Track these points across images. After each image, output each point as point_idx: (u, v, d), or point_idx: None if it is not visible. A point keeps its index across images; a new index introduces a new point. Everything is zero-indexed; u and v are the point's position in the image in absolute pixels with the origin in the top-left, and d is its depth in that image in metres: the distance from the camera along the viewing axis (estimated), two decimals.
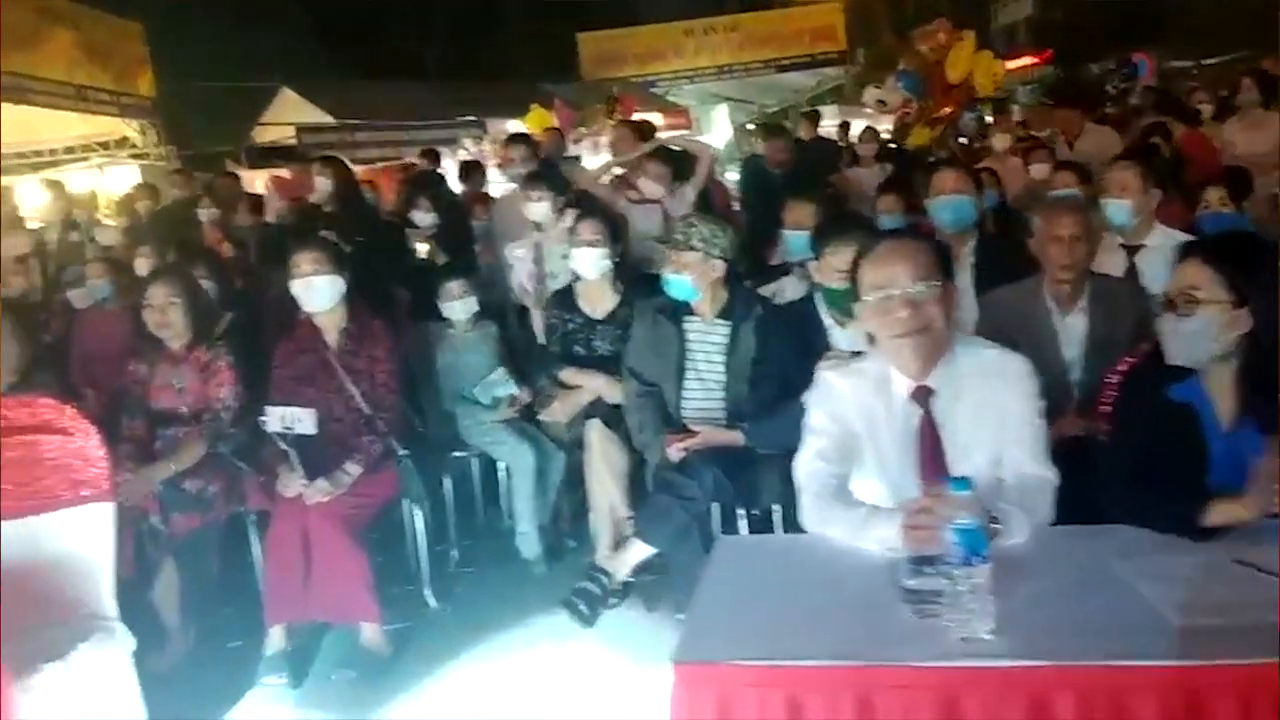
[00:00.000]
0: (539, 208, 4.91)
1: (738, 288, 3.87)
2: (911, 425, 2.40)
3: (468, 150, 14.40)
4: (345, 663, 3.83)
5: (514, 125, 19.81)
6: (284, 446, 3.77)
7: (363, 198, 5.57)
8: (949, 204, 4.26)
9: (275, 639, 3.79)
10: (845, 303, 3.25)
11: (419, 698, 3.65)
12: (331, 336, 4.08)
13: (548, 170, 5.04)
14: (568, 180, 5.24)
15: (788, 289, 4.27)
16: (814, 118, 10.15)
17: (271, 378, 4.10)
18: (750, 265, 5.10)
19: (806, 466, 2.44)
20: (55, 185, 8.66)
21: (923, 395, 2.40)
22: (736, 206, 7.72)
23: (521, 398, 4.65)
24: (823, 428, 2.46)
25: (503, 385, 4.64)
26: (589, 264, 4.29)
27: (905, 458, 2.41)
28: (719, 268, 3.70)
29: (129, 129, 16.38)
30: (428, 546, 4.25)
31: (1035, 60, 22.53)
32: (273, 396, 4.04)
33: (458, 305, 4.72)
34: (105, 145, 16.22)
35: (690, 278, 3.67)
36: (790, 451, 3.44)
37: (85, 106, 14.94)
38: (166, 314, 4.05)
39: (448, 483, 4.62)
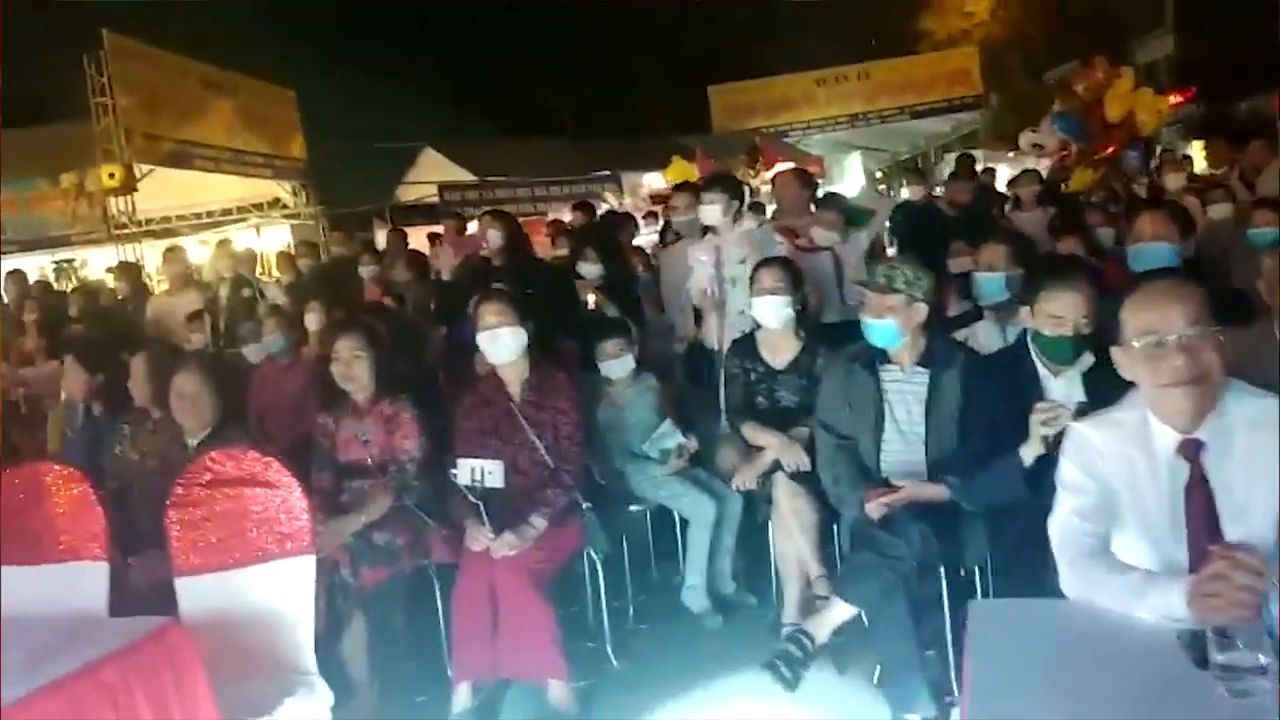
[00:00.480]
0: (713, 210, 4.83)
1: (936, 334, 3.70)
2: (1178, 482, 2.21)
3: (609, 203, 14.55)
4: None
5: (649, 179, 20.08)
6: (473, 499, 3.73)
7: (531, 250, 5.57)
8: (1151, 250, 4.04)
9: (462, 696, 3.74)
10: (1063, 351, 3.07)
11: None
12: (515, 388, 4.05)
13: (723, 175, 4.95)
14: (743, 185, 5.17)
15: (980, 334, 4.08)
16: (968, 162, 9.90)
17: (455, 430, 4.08)
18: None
19: (1063, 527, 2.26)
20: (224, 244, 8.94)
21: (1191, 449, 2.21)
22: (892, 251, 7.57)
23: (689, 446, 4.55)
24: (1078, 484, 2.27)
25: (671, 437, 4.55)
26: (771, 312, 4.17)
27: (1171, 517, 2.21)
28: (922, 311, 3.55)
29: (282, 190, 17.05)
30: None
31: (1179, 99, 21.77)
32: (456, 449, 4.02)
33: (614, 364, 4.65)
34: (259, 206, 16.90)
35: (895, 322, 3.52)
36: (999, 508, 3.28)
37: (243, 170, 15.62)
38: (351, 367, 4.08)
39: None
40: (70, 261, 13.07)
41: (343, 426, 4.13)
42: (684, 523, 4.55)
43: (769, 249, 4.56)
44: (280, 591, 3.11)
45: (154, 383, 4.40)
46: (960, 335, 4.16)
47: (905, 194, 8.97)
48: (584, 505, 4.01)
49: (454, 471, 3.79)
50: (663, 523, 4.73)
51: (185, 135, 14.09)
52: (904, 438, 3.62)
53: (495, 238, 5.14)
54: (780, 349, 4.25)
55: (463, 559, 3.82)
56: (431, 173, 19.04)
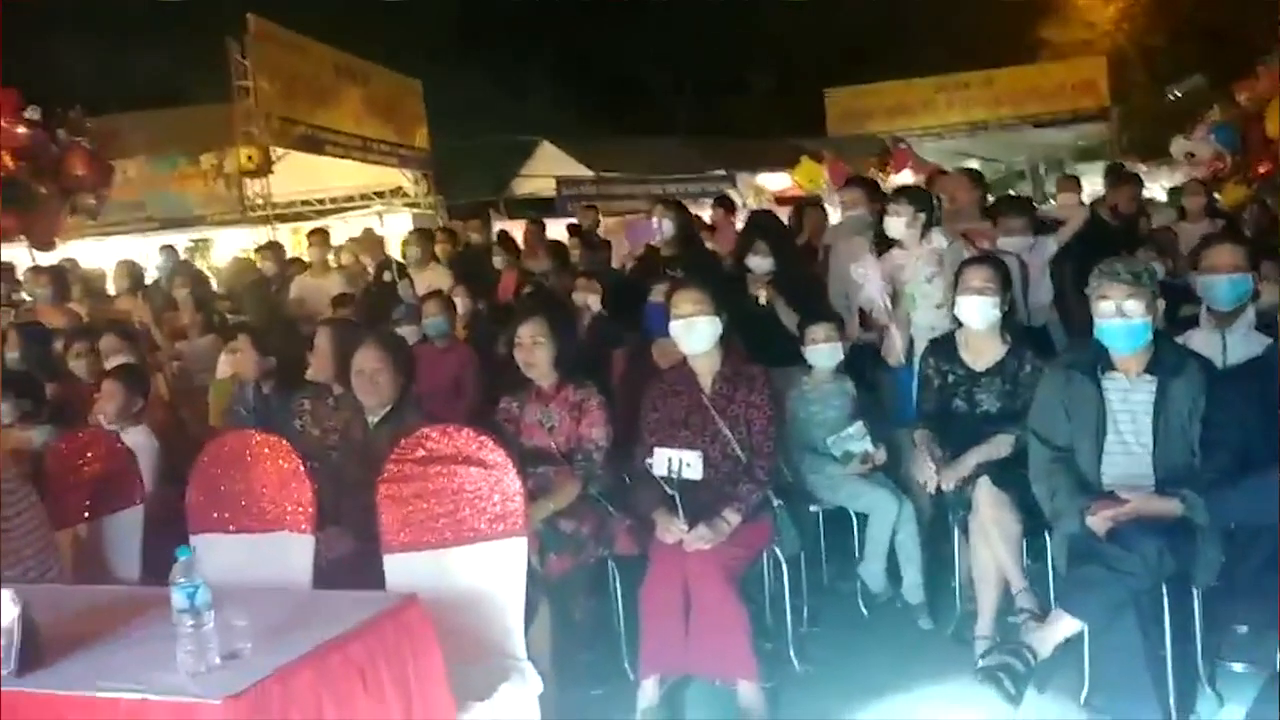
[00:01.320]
0: (898, 223, 4.69)
1: (1164, 340, 3.51)
2: None
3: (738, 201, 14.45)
4: None
5: (763, 179, 19.88)
6: (670, 491, 3.64)
7: (702, 241, 5.47)
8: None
9: (649, 692, 3.65)
10: None
11: None
12: (706, 380, 3.95)
13: (911, 188, 4.80)
14: (932, 198, 5.02)
15: (1196, 341, 3.86)
16: (1121, 171, 9.56)
17: (642, 421, 4.00)
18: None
19: None
20: (368, 231, 9.02)
21: None
22: None
23: (877, 456, 4.42)
24: None
25: (859, 440, 4.41)
26: (977, 313, 4.01)
27: None
28: (1159, 311, 3.36)
29: (404, 179, 17.23)
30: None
31: None
32: (645, 439, 3.94)
33: (824, 350, 4.53)
34: (381, 194, 17.09)
35: (1148, 320, 3.32)
36: (1245, 527, 3.08)
37: (369, 157, 15.82)
38: (534, 353, 4.03)
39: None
40: (205, 241, 13.34)
41: (527, 412, 4.08)
42: (861, 521, 4.41)
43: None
44: (491, 574, 3.06)
45: (337, 359, 4.40)
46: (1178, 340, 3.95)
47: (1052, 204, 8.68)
48: (775, 502, 3.90)
49: (649, 461, 3.71)
50: (831, 525, 4.61)
51: (318, 120, 14.31)
52: (1127, 449, 3.44)
53: (668, 227, 5.05)
54: (983, 351, 4.08)
55: (653, 552, 3.73)
56: (547, 166, 19.14)
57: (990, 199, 5.83)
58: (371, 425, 4.07)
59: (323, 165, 15.23)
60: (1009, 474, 3.78)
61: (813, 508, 4.44)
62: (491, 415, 4.20)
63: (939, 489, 3.98)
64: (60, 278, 8.29)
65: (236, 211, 13.19)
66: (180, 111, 13.52)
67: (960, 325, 4.15)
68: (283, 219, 14.44)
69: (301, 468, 3.35)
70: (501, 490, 3.08)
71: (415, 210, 17.32)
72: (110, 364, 5.21)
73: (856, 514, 4.44)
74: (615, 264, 6.52)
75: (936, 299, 4.61)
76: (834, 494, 4.39)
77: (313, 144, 14.23)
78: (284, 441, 3.41)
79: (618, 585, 4.04)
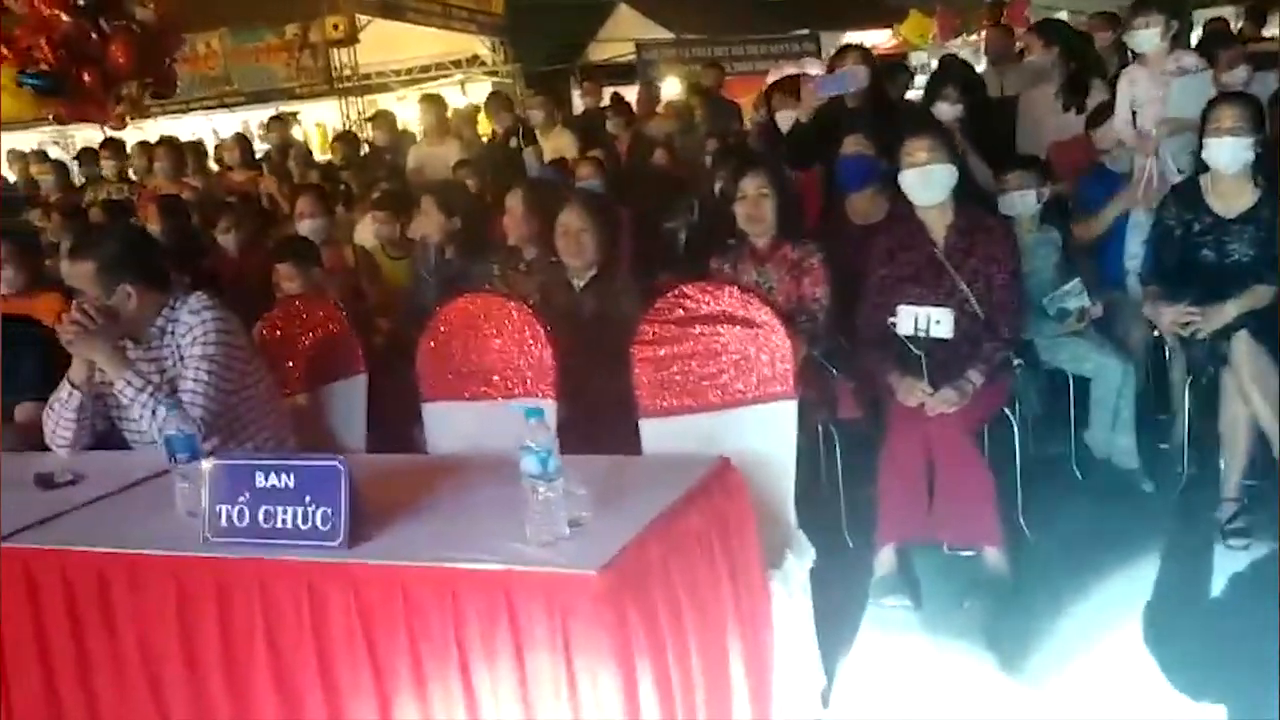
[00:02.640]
0: (1150, 35, 4.31)
1: None
2: None
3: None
4: (970, 590, 3.49)
5: (849, 38, 19.12)
6: (916, 351, 3.44)
7: (888, 92, 5.15)
8: None
9: (886, 559, 3.52)
10: None
11: (1057, 632, 3.28)
12: (939, 233, 3.71)
13: None
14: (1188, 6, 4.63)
15: None
16: None
17: (868, 278, 3.78)
18: None
19: None
20: (496, 94, 8.72)
21: None
22: None
23: (1094, 310, 4.16)
24: None
25: (1076, 297, 4.15)
26: (1228, 155, 3.70)
27: None
28: None
29: (481, 47, 16.78)
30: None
31: None
32: (870, 298, 3.73)
33: (1016, 199, 4.24)
34: (458, 63, 16.67)
35: None
36: None
37: (449, 24, 15.37)
38: (759, 206, 3.80)
39: None
40: (295, 114, 13.08)
41: (741, 272, 3.87)
42: (1079, 387, 4.20)
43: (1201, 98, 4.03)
44: (762, 439, 2.89)
45: (531, 221, 4.22)
46: None
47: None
48: (1015, 362, 3.69)
49: (891, 320, 3.50)
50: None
51: None
52: None
53: (861, 75, 4.73)
54: (1234, 197, 3.78)
55: (892, 417, 3.55)
56: (624, 30, 18.54)
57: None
58: (577, 289, 3.89)
59: (400, 35, 14.82)
60: (1267, 326, 3.53)
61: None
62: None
63: (1183, 341, 3.74)
64: (176, 152, 8.14)
65: (324, 83, 12.89)
66: None
67: (1199, 170, 3.85)
68: (369, 90, 14.14)
69: (544, 332, 3.18)
70: (770, 350, 2.89)
71: (494, 79, 16.93)
72: (302, 229, 5.07)
73: (1074, 377, 4.20)
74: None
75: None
76: (1053, 355, 4.16)
77: (395, 11, 13.81)
78: (524, 305, 3.24)
79: (838, 450, 3.87)
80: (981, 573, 3.50)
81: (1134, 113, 4.42)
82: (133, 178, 8.45)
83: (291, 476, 2.14)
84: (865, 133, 4.43)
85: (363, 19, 12.98)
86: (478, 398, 3.26)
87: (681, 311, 2.99)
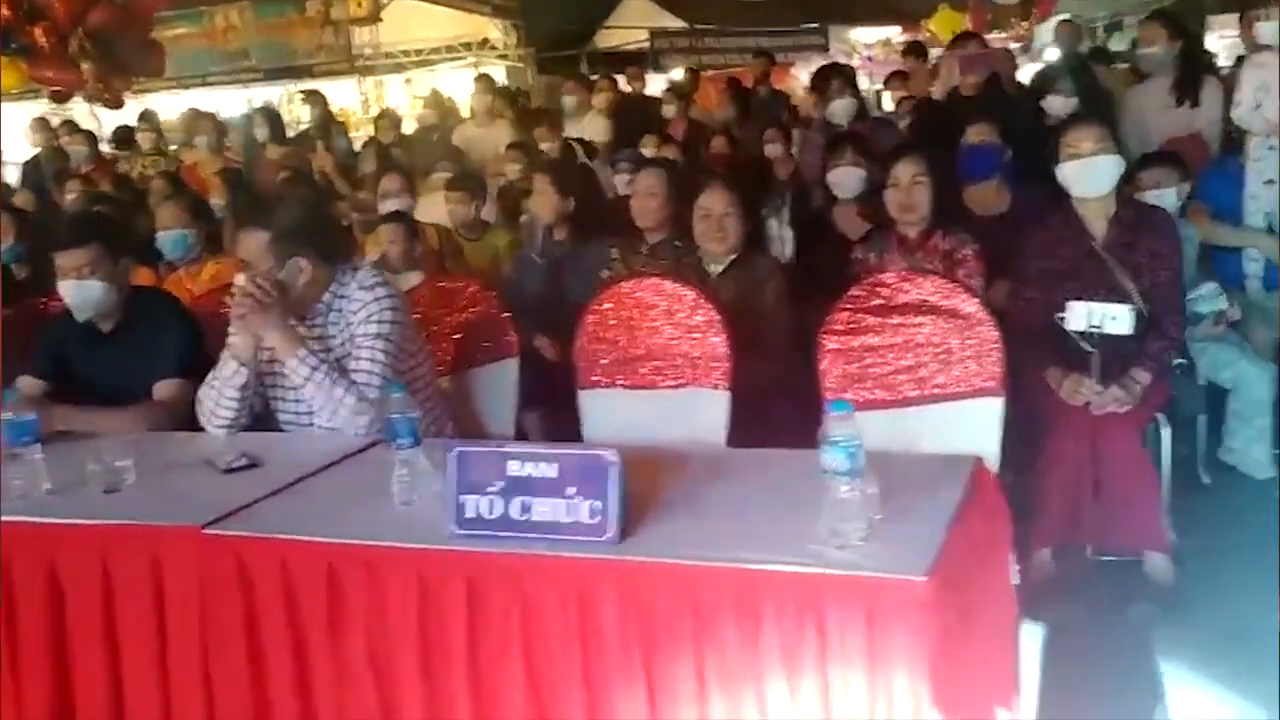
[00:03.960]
0: (1269, 27, 4.22)
1: None
2: None
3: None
4: (1133, 597, 3.38)
5: (858, 34, 19.11)
6: (1089, 348, 3.32)
7: (1002, 82, 5.03)
8: None
9: (1044, 562, 3.40)
10: None
11: (1244, 640, 3.17)
12: (1098, 226, 3.59)
13: None
14: None
15: None
16: None
17: (1022, 270, 3.66)
18: None
19: None
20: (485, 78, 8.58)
21: None
22: None
23: (1231, 314, 4.07)
24: None
25: (1213, 300, 4.05)
26: None
27: None
28: None
29: (494, 29, 16.53)
30: None
31: None
32: (1024, 291, 3.62)
33: (1153, 197, 4.11)
34: (468, 46, 16.41)
35: None
36: None
37: (465, 5, 15.15)
38: (913, 194, 3.68)
39: None
40: (315, 92, 12.80)
41: (887, 262, 3.74)
42: (1215, 394, 4.09)
43: None
44: (963, 437, 2.77)
45: (661, 202, 4.07)
46: None
47: None
48: (1177, 361, 3.58)
49: (1060, 316, 3.38)
50: None
51: None
52: None
53: (1002, 57, 4.61)
54: None
55: (1055, 415, 3.43)
56: (633, 18, 18.37)
57: None
58: (714, 274, 3.75)
59: (412, 16, 14.59)
60: None
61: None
62: None
63: None
64: (219, 125, 7.94)
65: (345, 61, 12.65)
66: None
67: None
68: (387, 69, 13.92)
69: (718, 319, 3.04)
70: (976, 344, 2.77)
71: (506, 63, 16.70)
72: (387, 208, 4.90)
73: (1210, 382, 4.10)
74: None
75: None
76: (1196, 360, 4.05)
77: None
78: (694, 290, 3.10)
79: None
80: (1143, 579, 3.38)
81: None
82: (166, 151, 8.25)
83: (554, 466, 1.99)
84: (989, 121, 4.32)
85: None
86: (640, 386, 3.12)
87: (879, 300, 2.86)
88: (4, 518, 2.39)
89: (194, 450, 2.73)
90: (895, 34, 18.61)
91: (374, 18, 12.18)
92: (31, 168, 8.83)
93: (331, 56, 12.74)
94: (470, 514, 2.04)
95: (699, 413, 3.04)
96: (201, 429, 2.95)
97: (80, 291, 3.07)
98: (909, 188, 3.67)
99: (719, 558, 1.88)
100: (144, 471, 2.52)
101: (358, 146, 8.28)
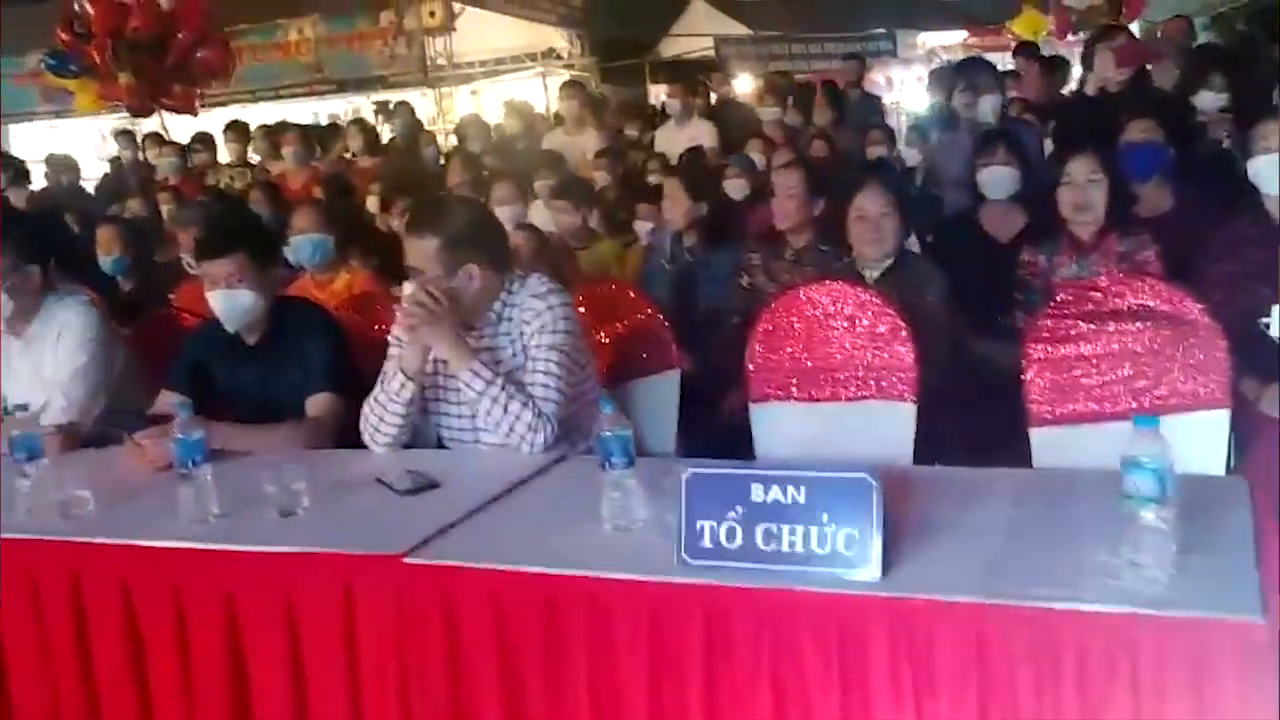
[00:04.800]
0: None
1: None
2: None
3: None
4: None
5: (925, 38, 18.81)
6: None
7: (1149, 79, 4.79)
8: None
9: None
10: None
11: None
12: None
13: None
14: None
15: None
16: None
17: (1204, 274, 3.41)
18: None
19: None
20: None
21: None
22: None
23: None
24: None
25: None
26: None
27: None
28: None
29: (559, 39, 16.45)
30: None
31: None
32: (1212, 294, 3.36)
33: None
34: (533, 56, 16.34)
35: None
36: None
37: (531, 15, 15.06)
38: (1089, 193, 3.44)
39: None
40: (386, 104, 12.76)
41: (1057, 264, 3.52)
42: None
43: None
44: (1189, 452, 2.53)
45: (809, 205, 3.88)
46: None
47: None
48: None
49: (1264, 321, 3.13)
50: None
51: None
52: None
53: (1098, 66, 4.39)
54: None
55: (1253, 430, 3.18)
56: (698, 25, 18.22)
57: None
58: (870, 280, 3.54)
59: (478, 26, 14.53)
60: None
61: None
62: None
63: None
64: (306, 137, 7.85)
65: (418, 72, 12.58)
66: None
67: None
68: (457, 80, 13.85)
69: (904, 329, 2.84)
70: (1198, 353, 2.55)
71: (572, 72, 16.61)
72: (502, 217, 4.72)
73: None
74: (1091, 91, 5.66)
75: None
76: None
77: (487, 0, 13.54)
78: (878, 297, 2.90)
79: None
80: None
81: None
82: (252, 162, 8.18)
83: (802, 490, 1.80)
84: (1150, 117, 4.08)
85: (457, 7, 12.68)
86: (818, 399, 2.92)
87: (1090, 305, 2.64)
88: (175, 544, 2.24)
89: (362, 470, 2.57)
90: (962, 37, 18.33)
91: (447, 27, 12.09)
92: (111, 179, 8.82)
93: (404, 67, 12.66)
94: (706, 542, 1.85)
95: (883, 427, 2.83)
96: (351, 445, 2.81)
97: (229, 301, 2.92)
98: (1084, 185, 3.44)
99: (1007, 594, 1.67)
100: (315, 493, 2.35)
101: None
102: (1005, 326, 3.84)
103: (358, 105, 13.81)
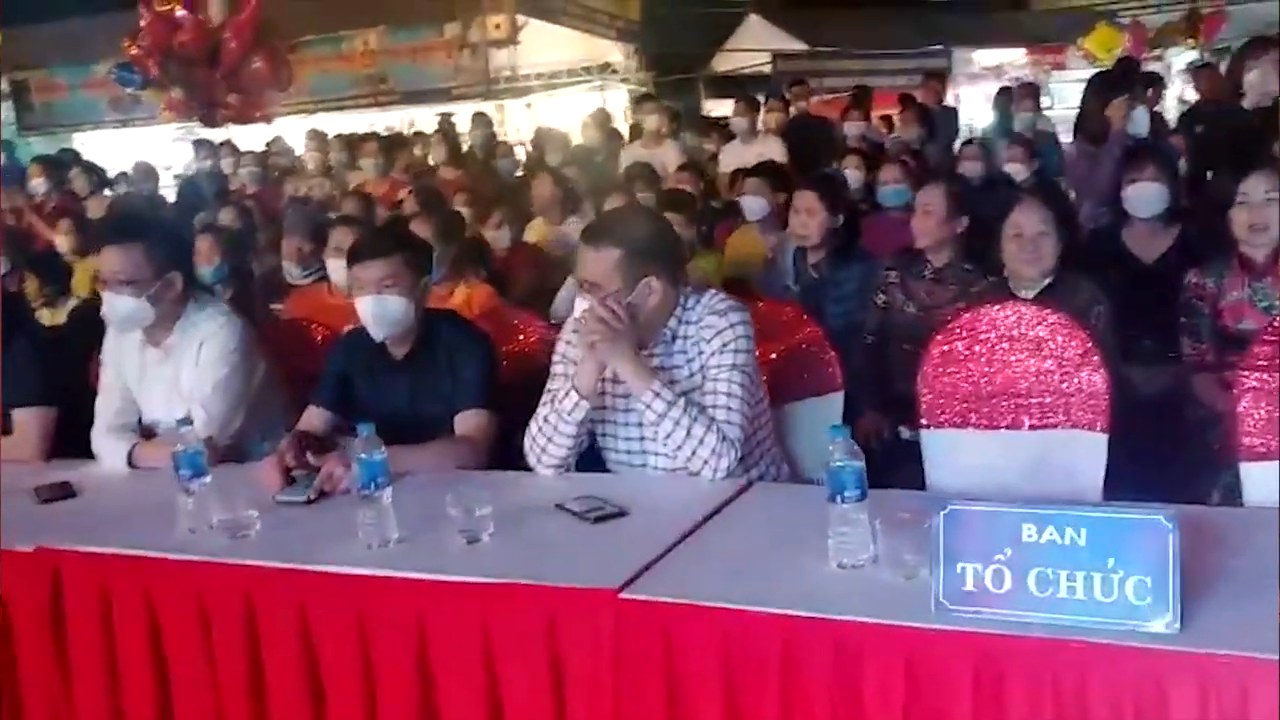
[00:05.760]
0: None
1: None
2: None
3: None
4: None
5: (980, 56, 18.65)
6: None
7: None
8: None
9: None
10: None
11: None
12: None
13: None
14: None
15: None
16: None
17: None
18: None
19: None
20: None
21: None
22: None
23: None
24: None
25: None
26: None
27: None
28: None
29: (616, 53, 16.37)
30: None
31: None
32: None
33: None
34: (588, 70, 16.27)
35: None
36: None
37: (591, 28, 15.02)
38: (1265, 213, 3.27)
39: None
40: (450, 115, 12.69)
41: (1227, 287, 3.35)
42: None
43: None
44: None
45: (954, 221, 3.73)
46: None
47: None
48: None
49: None
50: None
51: None
52: None
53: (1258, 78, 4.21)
54: None
55: None
56: (753, 41, 18.11)
57: None
58: (1026, 300, 3.38)
59: (536, 40, 14.47)
60: None
61: None
62: None
63: None
64: (388, 150, 7.78)
65: (483, 83, 12.52)
66: None
67: None
68: (514, 93, 13.78)
69: (1096, 353, 2.68)
70: None
71: (628, 86, 16.52)
72: None
73: None
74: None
75: None
76: None
77: (549, 12, 13.48)
78: (1064, 317, 2.74)
79: None
80: None
81: None
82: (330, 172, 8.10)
83: (1083, 532, 1.64)
84: None
85: (520, 19, 12.63)
86: (998, 426, 2.76)
87: None
88: (358, 570, 2.12)
89: (534, 493, 2.44)
90: (1020, 55, 18.13)
91: (512, 39, 12.03)
92: (186, 188, 8.78)
93: (469, 79, 12.60)
94: (969, 586, 1.70)
95: (1072, 457, 2.67)
96: (496, 465, 2.69)
97: (380, 307, 2.79)
98: (1261, 204, 3.26)
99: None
100: (496, 518, 2.22)
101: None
102: (1149, 351, 3.69)
103: (412, 118, 13.78)
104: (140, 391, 3.03)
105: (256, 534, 2.32)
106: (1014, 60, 17.31)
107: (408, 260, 2.81)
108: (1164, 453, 3.18)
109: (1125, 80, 5.18)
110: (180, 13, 8.95)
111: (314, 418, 2.89)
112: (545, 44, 14.84)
